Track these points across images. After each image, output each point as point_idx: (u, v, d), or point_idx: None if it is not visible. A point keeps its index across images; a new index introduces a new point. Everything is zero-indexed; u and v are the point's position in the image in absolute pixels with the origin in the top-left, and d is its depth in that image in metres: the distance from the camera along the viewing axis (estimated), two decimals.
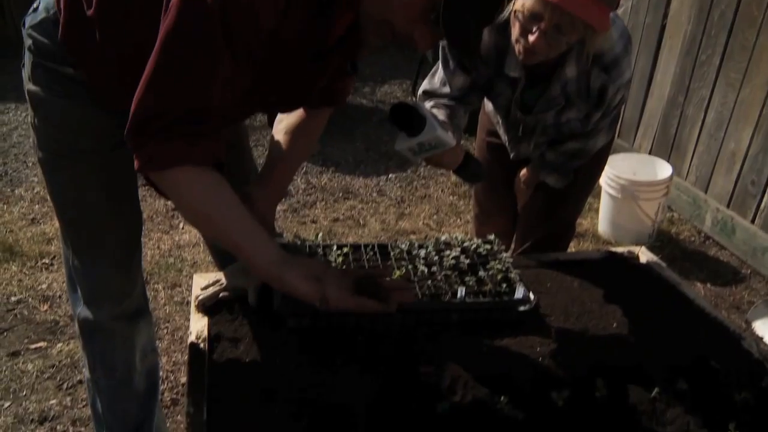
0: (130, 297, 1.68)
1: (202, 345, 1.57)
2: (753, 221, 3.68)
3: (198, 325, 1.63)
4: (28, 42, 1.42)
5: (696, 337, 1.68)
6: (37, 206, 3.92)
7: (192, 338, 1.59)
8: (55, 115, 1.45)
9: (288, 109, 1.56)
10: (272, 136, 1.63)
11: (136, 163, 1.19)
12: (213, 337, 1.57)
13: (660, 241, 3.89)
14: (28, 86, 1.45)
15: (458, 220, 4.01)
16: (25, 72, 1.46)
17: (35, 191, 4.07)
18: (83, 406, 2.46)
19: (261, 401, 1.38)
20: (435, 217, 4.06)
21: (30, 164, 4.43)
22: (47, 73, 1.41)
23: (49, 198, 1.61)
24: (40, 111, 1.46)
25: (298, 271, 1.24)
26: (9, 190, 4.10)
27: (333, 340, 1.55)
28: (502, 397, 1.40)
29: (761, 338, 2.92)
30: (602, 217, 4.00)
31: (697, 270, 3.64)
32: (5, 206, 3.91)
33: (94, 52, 1.34)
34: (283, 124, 1.61)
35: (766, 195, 3.58)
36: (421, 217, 4.03)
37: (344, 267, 1.67)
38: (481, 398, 1.40)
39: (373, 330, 1.58)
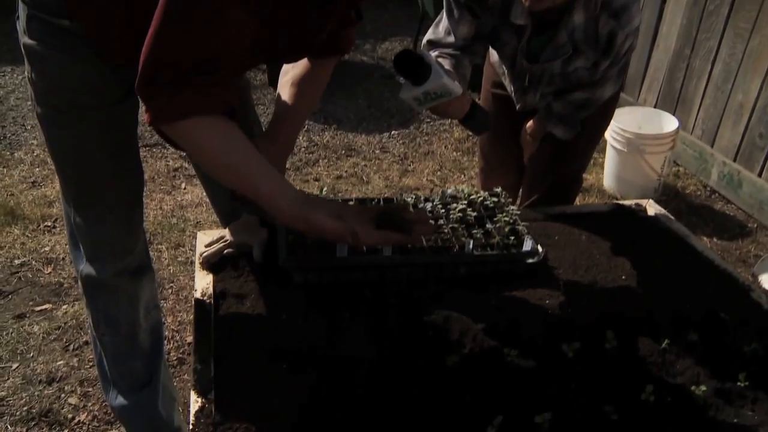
0: (132, 253, 1.67)
1: (207, 302, 1.56)
2: (760, 174, 3.65)
3: (203, 283, 1.62)
4: None
5: (705, 289, 1.66)
6: (37, 169, 3.89)
7: (197, 295, 1.58)
8: (53, 70, 1.41)
9: (294, 57, 1.52)
10: (278, 91, 1.59)
11: (147, 117, 1.15)
12: (218, 294, 1.56)
13: (666, 195, 3.87)
14: (24, 39, 1.40)
15: (462, 176, 3.98)
16: (20, 25, 1.41)
17: (35, 154, 4.04)
18: (90, 367, 2.47)
19: (268, 357, 1.37)
20: (439, 173, 4.02)
21: (29, 127, 4.38)
22: (43, 25, 1.36)
23: (49, 156, 1.58)
24: (37, 65, 1.42)
25: (324, 209, 1.20)
26: (8, 153, 4.07)
27: (339, 295, 1.54)
28: (512, 350, 1.39)
29: None
30: (607, 172, 3.97)
31: (703, 224, 3.62)
32: (5, 170, 3.88)
33: (94, 2, 1.30)
34: (289, 76, 1.57)
35: None
36: (425, 174, 4.00)
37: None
38: (490, 351, 1.39)
39: (380, 284, 1.57)
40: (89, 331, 1.82)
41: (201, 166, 1.25)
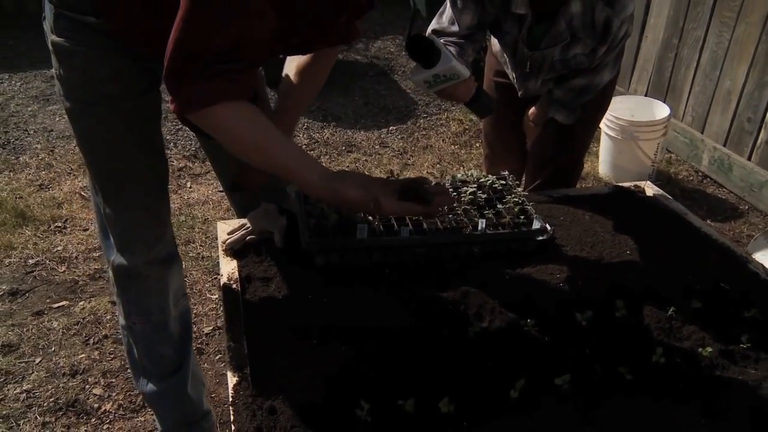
0: (162, 241, 1.72)
1: (234, 286, 1.63)
2: (749, 158, 3.75)
3: (228, 268, 1.69)
4: None
5: (705, 261, 1.75)
6: (43, 172, 3.94)
7: (224, 280, 1.65)
8: (81, 64, 1.47)
9: (307, 50, 1.59)
10: (285, 72, 1.67)
11: (173, 107, 1.21)
12: (244, 278, 1.63)
13: (659, 181, 3.95)
14: (52, 38, 1.46)
15: (461, 168, 4.06)
16: (47, 24, 1.47)
17: (40, 158, 4.09)
18: (111, 359, 2.54)
19: (297, 333, 1.44)
20: (438, 166, 4.11)
21: (31, 132, 4.43)
22: (70, 23, 1.43)
23: (79, 149, 1.64)
24: (65, 61, 1.48)
25: (350, 181, 1.29)
26: (13, 158, 4.11)
27: (361, 275, 1.61)
28: (528, 320, 1.47)
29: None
30: (602, 159, 4.06)
31: (697, 207, 3.71)
32: (12, 174, 3.93)
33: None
34: (295, 63, 1.66)
35: (762, 131, 3.64)
36: (425, 167, 4.08)
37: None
38: (508, 322, 1.48)
39: (399, 263, 1.65)
40: (119, 320, 1.86)
41: (228, 149, 1.32)
